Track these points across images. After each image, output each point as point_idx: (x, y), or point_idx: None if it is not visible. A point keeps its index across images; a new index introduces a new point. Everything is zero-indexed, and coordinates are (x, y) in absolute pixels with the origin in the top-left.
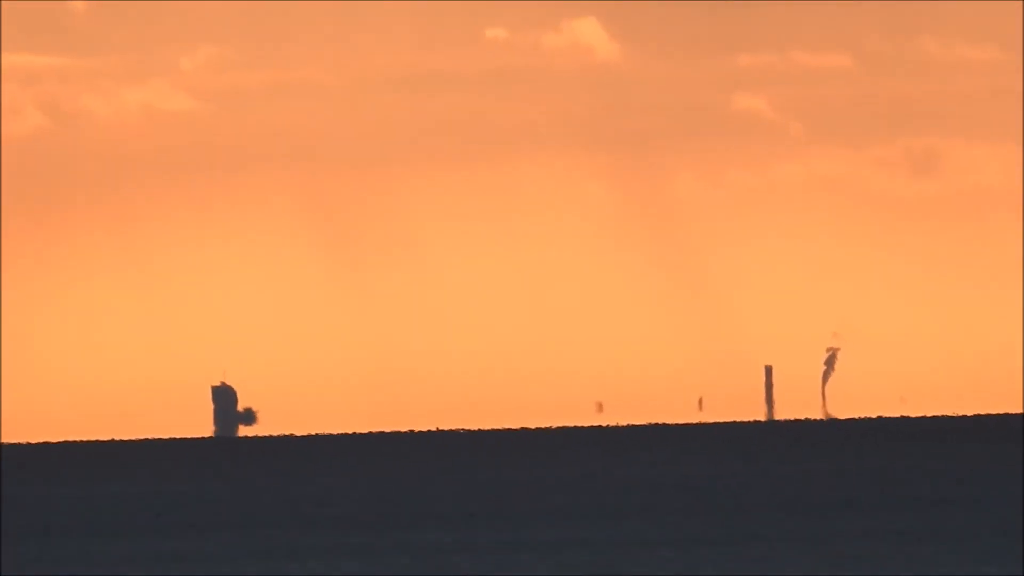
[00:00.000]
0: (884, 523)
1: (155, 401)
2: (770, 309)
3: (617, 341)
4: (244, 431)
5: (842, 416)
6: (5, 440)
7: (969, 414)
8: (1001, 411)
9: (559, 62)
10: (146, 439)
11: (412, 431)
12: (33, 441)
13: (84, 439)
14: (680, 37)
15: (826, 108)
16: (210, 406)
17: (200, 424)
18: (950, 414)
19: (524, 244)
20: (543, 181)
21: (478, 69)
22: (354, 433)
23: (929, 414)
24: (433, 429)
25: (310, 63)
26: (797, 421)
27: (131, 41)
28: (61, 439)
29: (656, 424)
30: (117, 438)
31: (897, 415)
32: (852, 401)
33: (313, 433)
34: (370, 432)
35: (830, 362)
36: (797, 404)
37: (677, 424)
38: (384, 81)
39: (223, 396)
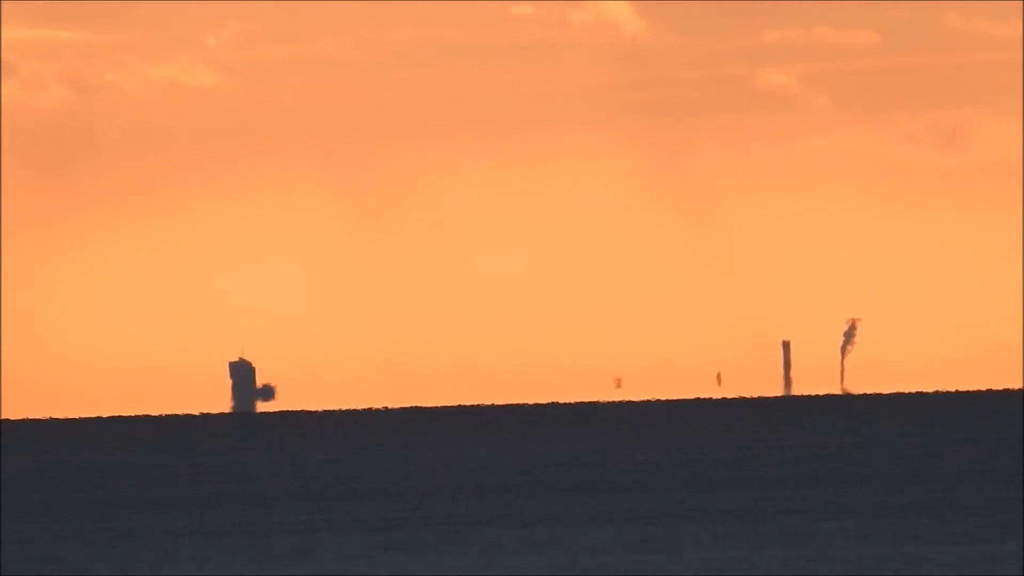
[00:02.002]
0: (899, 497)
1: (174, 377)
2: (789, 284)
3: (636, 316)
4: (262, 407)
5: (860, 391)
6: (24, 415)
7: (987, 389)
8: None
9: (585, 37)
10: (165, 415)
11: (430, 407)
12: (53, 417)
13: (103, 415)
14: (705, 14)
15: (852, 83)
16: (228, 382)
17: (218, 399)
18: (969, 390)
19: (547, 219)
20: (567, 155)
21: (504, 43)
22: (372, 409)
23: (948, 390)
24: (451, 405)
25: (335, 38)
26: (815, 396)
27: (156, 17)
28: (80, 415)
29: (674, 400)
30: (135, 413)
31: (915, 391)
32: (870, 377)
33: (331, 409)
34: (388, 408)
35: (849, 334)
36: (815, 379)
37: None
38: (409, 55)
39: (241, 371)
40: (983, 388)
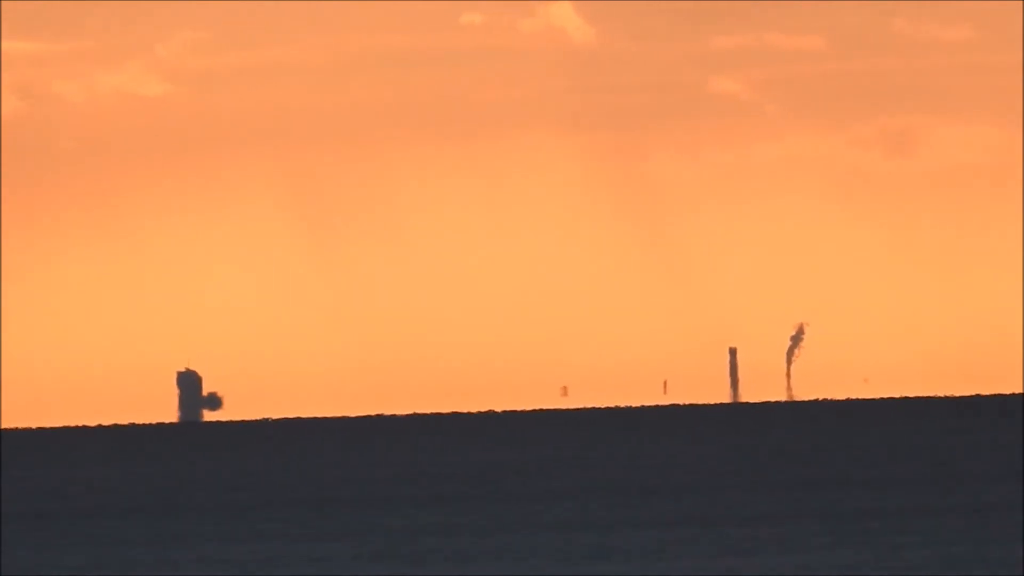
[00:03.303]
0: (847, 504)
1: (120, 387)
2: (736, 291)
3: (582, 323)
4: (209, 416)
5: (806, 398)
6: None
7: (936, 396)
8: (970, 393)
9: (534, 44)
10: (110, 425)
11: (377, 415)
12: None
13: (46, 425)
14: (654, 22)
15: (801, 89)
16: (175, 391)
17: (164, 410)
18: (918, 395)
19: (494, 225)
20: (516, 161)
21: (454, 50)
22: (319, 417)
23: (895, 395)
24: (398, 413)
25: (285, 45)
26: (761, 403)
27: (105, 26)
28: (24, 425)
29: (621, 407)
30: (81, 424)
31: (861, 397)
32: (817, 383)
33: (278, 418)
34: (335, 416)
35: (796, 337)
36: (762, 386)
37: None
38: (360, 62)
39: (188, 381)
40: (932, 394)
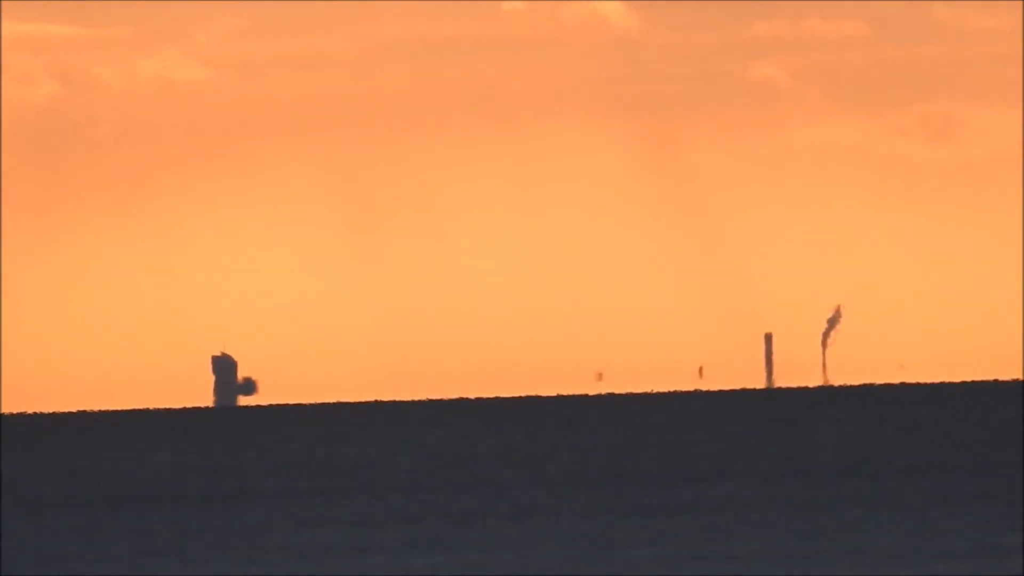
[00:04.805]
0: (882, 490)
1: (155, 371)
2: (773, 277)
3: (618, 310)
4: (244, 401)
5: (842, 383)
6: (4, 410)
7: (970, 381)
8: (1007, 378)
9: (576, 33)
10: (146, 409)
11: (412, 400)
12: (32, 411)
13: (83, 409)
14: (694, 9)
15: (842, 76)
16: (210, 376)
17: (200, 394)
18: (953, 381)
19: (531, 214)
20: (555, 150)
21: (495, 39)
22: (354, 403)
23: (933, 381)
24: (433, 398)
25: (325, 33)
26: (797, 389)
27: (146, 13)
28: (60, 410)
29: (656, 392)
30: (117, 408)
31: (897, 382)
32: (853, 369)
33: (313, 403)
34: (370, 401)
35: (833, 320)
36: (797, 372)
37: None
38: (400, 51)
39: (223, 366)
40: (970, 379)
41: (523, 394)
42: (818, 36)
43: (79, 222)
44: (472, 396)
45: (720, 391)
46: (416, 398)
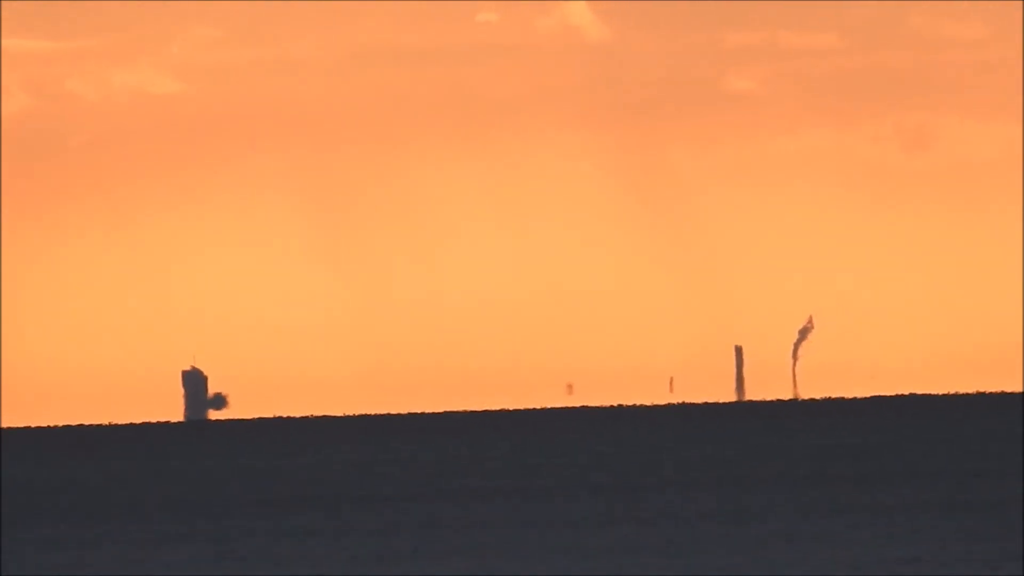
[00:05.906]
0: (854, 499)
1: (125, 385)
2: (744, 289)
3: (588, 320)
4: (214, 415)
5: (812, 396)
6: None
7: (941, 394)
8: (978, 390)
9: (550, 41)
10: (116, 424)
11: (382, 414)
12: (2, 426)
13: (53, 424)
14: (667, 20)
15: (815, 85)
16: (180, 391)
17: (170, 409)
18: (928, 393)
19: (500, 223)
20: (527, 158)
21: (470, 48)
22: (324, 417)
23: (905, 393)
24: (403, 412)
25: (298, 41)
26: (767, 401)
27: (118, 24)
28: (29, 424)
29: (626, 405)
30: (87, 423)
31: (869, 395)
32: (823, 381)
33: (283, 416)
34: (340, 416)
35: (805, 330)
36: (767, 384)
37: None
38: (374, 59)
39: (193, 381)
40: (942, 392)
41: (492, 408)
42: (792, 46)
43: (50, 235)
44: (443, 409)
45: (690, 403)
46: (387, 412)
